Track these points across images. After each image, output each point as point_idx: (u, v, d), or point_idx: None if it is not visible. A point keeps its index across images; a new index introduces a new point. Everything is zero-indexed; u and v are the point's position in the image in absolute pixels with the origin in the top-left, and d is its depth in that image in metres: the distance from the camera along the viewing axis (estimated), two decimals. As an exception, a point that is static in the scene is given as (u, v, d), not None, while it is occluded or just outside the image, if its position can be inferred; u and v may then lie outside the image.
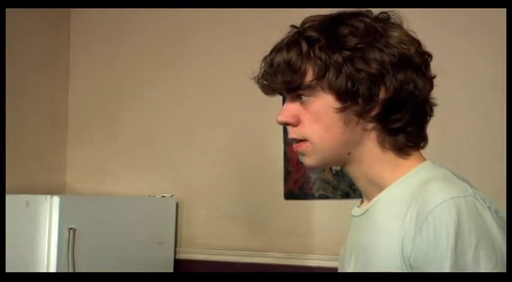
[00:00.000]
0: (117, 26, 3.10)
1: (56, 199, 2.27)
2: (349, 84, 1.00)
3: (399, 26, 1.05)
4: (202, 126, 2.81)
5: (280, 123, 1.07)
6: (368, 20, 1.03)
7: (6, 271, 2.17)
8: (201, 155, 2.81)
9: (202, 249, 2.75)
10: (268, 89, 1.08)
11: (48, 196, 2.28)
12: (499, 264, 0.90)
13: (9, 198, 2.34)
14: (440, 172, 1.02)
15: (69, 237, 2.26)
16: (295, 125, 1.06)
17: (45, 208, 2.27)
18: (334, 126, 1.03)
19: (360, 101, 1.00)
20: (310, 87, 1.02)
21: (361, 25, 1.02)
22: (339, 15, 1.05)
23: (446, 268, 0.89)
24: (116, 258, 2.48)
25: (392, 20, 1.06)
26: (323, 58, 1.00)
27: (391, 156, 1.05)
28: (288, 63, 1.02)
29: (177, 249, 2.81)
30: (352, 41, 1.00)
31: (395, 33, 1.03)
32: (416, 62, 1.02)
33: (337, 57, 1.00)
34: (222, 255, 2.68)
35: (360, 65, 1.00)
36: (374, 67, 1.00)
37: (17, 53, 2.86)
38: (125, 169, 3.00)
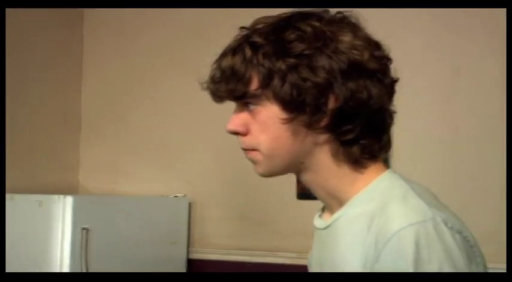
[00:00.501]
0: (129, 26, 3.10)
1: (69, 199, 2.27)
2: (294, 93, 0.93)
3: (353, 29, 0.97)
4: (214, 125, 2.80)
5: (229, 132, 1.02)
6: (317, 23, 0.95)
7: (21, 271, 2.18)
8: (214, 154, 2.81)
9: (215, 249, 2.74)
10: (214, 96, 1.02)
11: (61, 196, 2.28)
12: None
13: (21, 198, 2.34)
14: (400, 188, 0.96)
15: (82, 237, 2.27)
16: (244, 135, 1.01)
17: (58, 208, 2.27)
18: (282, 137, 0.97)
19: (307, 111, 0.94)
20: (256, 96, 0.97)
21: (309, 29, 0.94)
22: (288, 18, 0.98)
23: None
24: (129, 258, 2.49)
25: (347, 21, 0.98)
26: (266, 65, 0.94)
27: (346, 169, 0.99)
28: (232, 70, 0.97)
29: (190, 249, 2.81)
30: (299, 47, 0.93)
31: (346, 38, 0.95)
32: (370, 69, 0.95)
33: (281, 65, 0.93)
34: (234, 255, 2.68)
35: (305, 73, 0.93)
36: (321, 76, 0.93)
37: (30, 52, 2.87)
38: (137, 168, 3.00)
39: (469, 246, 0.91)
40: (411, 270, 0.85)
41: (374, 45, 0.97)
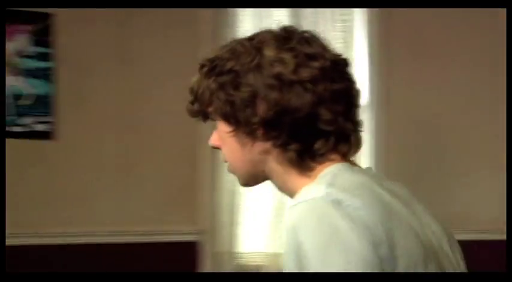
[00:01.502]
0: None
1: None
2: (227, 109, 1.04)
3: (282, 43, 1.03)
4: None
5: (212, 147, 1.13)
6: (247, 42, 1.05)
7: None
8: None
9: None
10: (190, 115, 1.13)
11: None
12: (352, 262, 0.88)
13: None
14: (322, 180, 0.99)
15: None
16: (220, 148, 1.12)
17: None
18: (235, 149, 1.07)
19: (242, 123, 1.04)
20: (210, 113, 1.09)
21: (239, 47, 1.04)
22: (239, 38, 1.09)
23: (289, 269, 0.91)
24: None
25: (281, 36, 1.05)
26: (205, 84, 1.06)
27: (294, 173, 1.05)
28: (192, 90, 1.09)
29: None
30: (228, 65, 1.03)
31: (269, 53, 1.02)
32: (294, 80, 1.00)
33: (212, 84, 1.05)
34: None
35: (231, 90, 1.03)
36: (244, 90, 1.02)
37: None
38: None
39: (366, 228, 0.91)
40: (292, 246, 0.90)
41: (304, 57, 1.03)
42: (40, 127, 2.94)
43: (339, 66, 1.06)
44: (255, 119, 1.02)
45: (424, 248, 0.97)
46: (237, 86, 1.03)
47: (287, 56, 1.02)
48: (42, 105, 2.94)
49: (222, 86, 1.04)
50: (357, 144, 1.07)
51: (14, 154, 2.63)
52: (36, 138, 2.93)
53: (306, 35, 1.07)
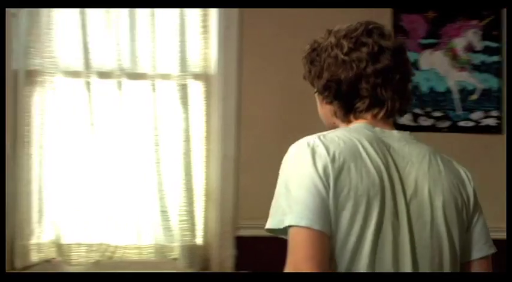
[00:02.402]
0: None
1: None
2: (310, 77, 1.50)
3: (347, 31, 1.42)
4: None
5: None
6: (328, 32, 1.47)
7: None
8: None
9: None
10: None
11: None
12: (302, 175, 1.27)
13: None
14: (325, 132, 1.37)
15: None
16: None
17: None
18: (318, 106, 1.52)
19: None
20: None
21: (323, 35, 1.47)
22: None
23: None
24: None
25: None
26: (304, 61, 1.52)
27: (340, 123, 1.45)
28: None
29: None
30: (313, 46, 1.48)
31: (333, 40, 1.43)
32: (345, 60, 1.39)
33: (305, 60, 1.52)
34: None
35: (311, 65, 1.48)
36: (317, 64, 1.45)
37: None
38: None
39: (330, 162, 1.27)
40: (281, 170, 1.34)
41: (358, 43, 1.40)
42: (488, 122, 2.91)
43: (386, 51, 1.39)
44: (321, 84, 1.44)
45: (375, 188, 1.28)
46: (313, 62, 1.46)
47: (345, 42, 1.40)
48: (490, 99, 2.91)
49: (308, 62, 1.47)
50: (391, 110, 1.41)
51: (462, 148, 2.66)
52: (485, 133, 2.91)
53: (371, 26, 1.42)
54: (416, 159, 1.36)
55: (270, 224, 1.28)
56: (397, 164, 1.33)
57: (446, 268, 1.32)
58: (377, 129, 1.38)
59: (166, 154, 2.78)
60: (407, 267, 1.28)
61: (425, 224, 1.32)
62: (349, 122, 1.41)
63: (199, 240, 2.83)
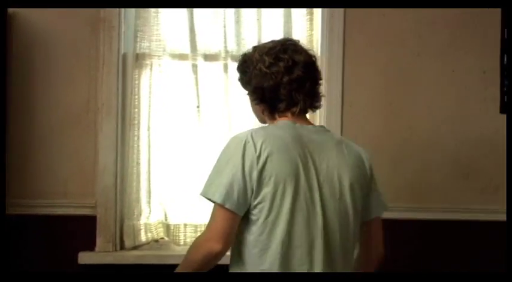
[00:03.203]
0: None
1: None
2: (242, 84, 1.94)
3: (268, 49, 1.83)
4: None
5: None
6: (254, 48, 1.91)
7: None
8: None
9: None
10: None
11: None
12: (231, 164, 1.69)
13: None
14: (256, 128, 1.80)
15: None
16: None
17: None
18: (252, 108, 1.96)
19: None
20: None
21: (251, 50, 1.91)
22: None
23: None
24: None
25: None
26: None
27: (269, 120, 1.88)
28: None
29: None
30: (243, 60, 1.92)
31: (257, 56, 1.84)
32: (267, 72, 1.80)
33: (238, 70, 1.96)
34: None
35: (242, 74, 1.92)
36: (247, 75, 1.88)
37: None
38: None
39: (256, 158, 1.68)
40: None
41: (276, 59, 1.80)
42: None
43: (298, 64, 1.79)
44: (250, 90, 1.87)
45: (292, 175, 1.69)
46: (244, 72, 1.87)
47: (266, 58, 1.79)
48: None
49: (240, 71, 1.90)
50: (304, 109, 1.83)
51: None
52: None
53: (288, 43, 1.84)
54: (327, 148, 1.79)
55: (204, 193, 1.71)
56: (311, 153, 1.74)
57: (351, 227, 1.77)
58: (297, 125, 1.79)
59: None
60: (319, 227, 1.70)
61: (335, 199, 1.74)
62: (274, 119, 1.84)
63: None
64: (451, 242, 2.85)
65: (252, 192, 1.67)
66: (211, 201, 1.69)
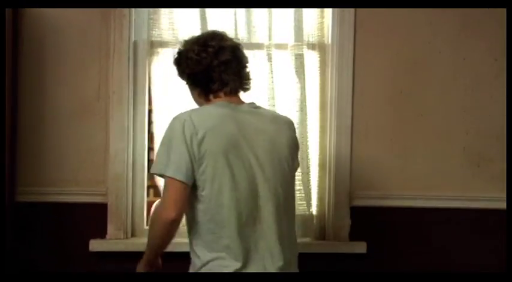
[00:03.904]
0: None
1: None
2: (178, 73, 2.14)
3: (198, 39, 2.07)
4: None
5: None
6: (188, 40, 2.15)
7: None
8: None
9: None
10: None
11: None
12: (173, 141, 1.90)
13: None
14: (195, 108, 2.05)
15: None
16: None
17: None
18: (191, 93, 2.18)
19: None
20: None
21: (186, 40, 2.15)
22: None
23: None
24: None
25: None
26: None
27: (204, 102, 2.08)
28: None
29: None
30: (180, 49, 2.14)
31: (188, 46, 2.08)
32: (197, 58, 2.03)
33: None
34: None
35: (176, 64, 2.14)
36: (182, 65, 2.10)
37: None
38: None
39: (195, 133, 1.89)
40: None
41: (205, 46, 2.03)
42: None
43: (225, 48, 2.02)
44: (185, 77, 2.09)
45: (229, 146, 1.91)
46: (179, 63, 2.09)
47: (195, 46, 2.02)
48: None
49: (176, 63, 2.11)
50: (235, 88, 2.05)
51: None
52: None
53: (215, 33, 2.08)
54: (260, 122, 2.00)
55: (155, 170, 1.91)
56: (245, 127, 1.95)
57: (291, 189, 2.05)
58: (232, 104, 2.01)
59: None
60: (261, 194, 1.94)
61: (273, 163, 1.97)
62: (209, 100, 2.04)
63: (314, 209, 2.83)
64: (461, 230, 2.85)
65: (196, 164, 1.88)
66: (163, 176, 1.90)
